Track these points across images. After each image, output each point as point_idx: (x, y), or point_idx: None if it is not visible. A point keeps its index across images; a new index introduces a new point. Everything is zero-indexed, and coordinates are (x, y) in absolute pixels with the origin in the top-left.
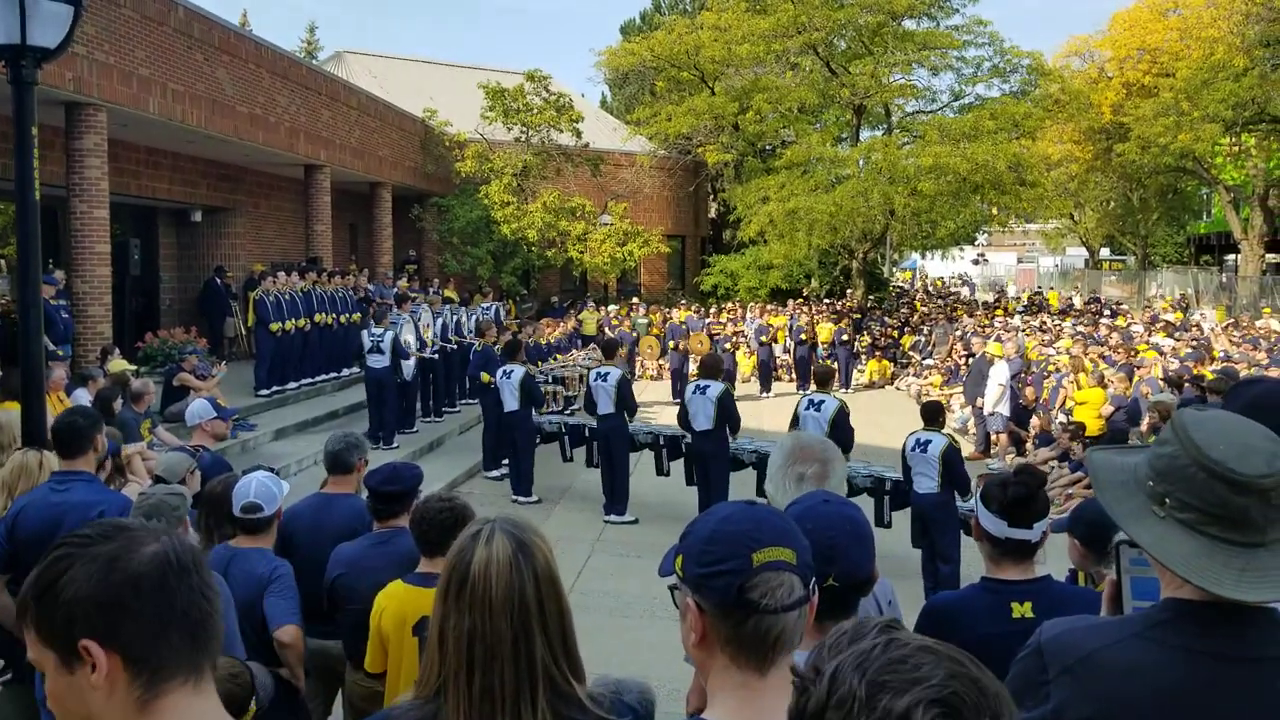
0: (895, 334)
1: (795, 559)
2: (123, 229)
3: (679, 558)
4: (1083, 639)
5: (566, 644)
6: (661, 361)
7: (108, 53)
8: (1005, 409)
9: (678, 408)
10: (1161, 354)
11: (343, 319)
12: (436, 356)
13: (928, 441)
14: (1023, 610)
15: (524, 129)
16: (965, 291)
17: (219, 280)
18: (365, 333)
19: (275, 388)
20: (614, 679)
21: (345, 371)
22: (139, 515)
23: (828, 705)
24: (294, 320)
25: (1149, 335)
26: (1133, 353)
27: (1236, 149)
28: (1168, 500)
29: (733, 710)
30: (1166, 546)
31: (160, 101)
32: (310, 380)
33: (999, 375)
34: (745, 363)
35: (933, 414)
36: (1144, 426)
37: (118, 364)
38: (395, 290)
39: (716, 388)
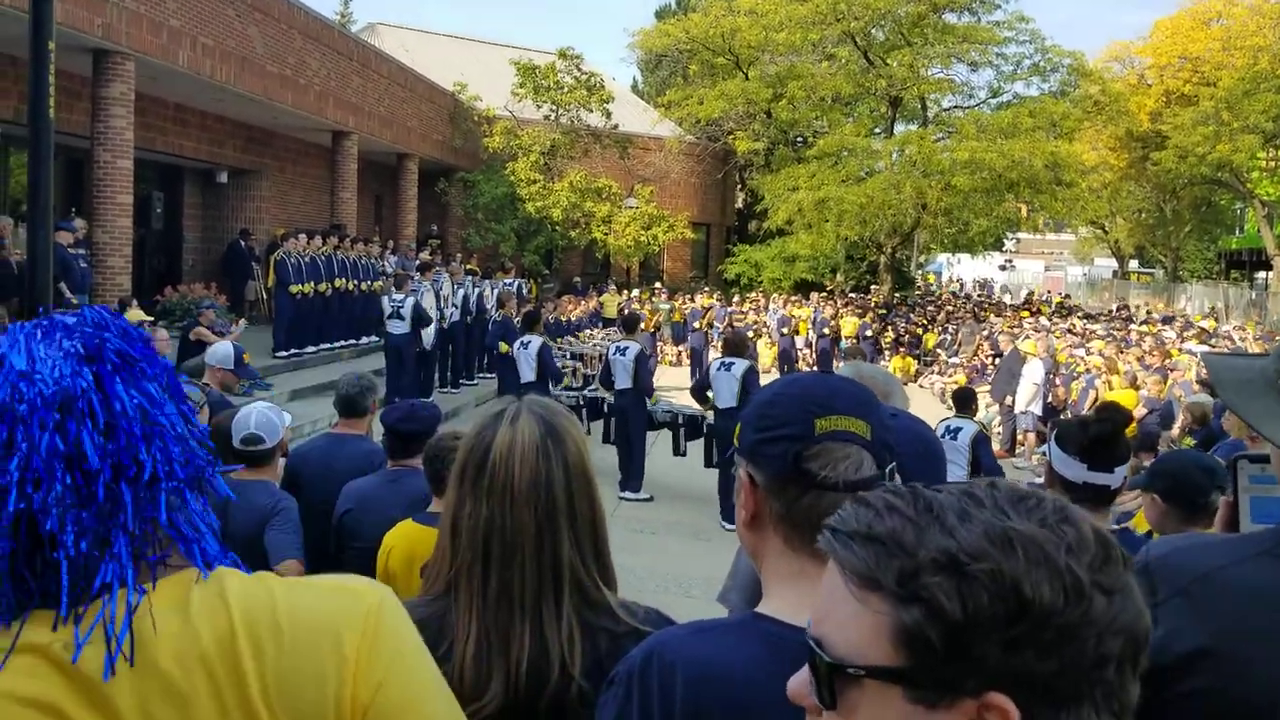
0: (920, 331)
1: (869, 434)
2: (148, 185)
3: (738, 426)
4: (1199, 557)
5: (597, 545)
6: (681, 348)
7: (138, 1)
8: (1037, 408)
9: (693, 382)
10: (1195, 358)
11: (364, 286)
12: (455, 320)
13: (958, 428)
14: None
15: (554, 107)
16: (996, 291)
17: (243, 243)
18: (385, 298)
19: (293, 350)
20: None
21: (364, 339)
22: None
23: (1009, 572)
24: (314, 283)
25: (1180, 342)
26: (1166, 356)
27: (1274, 163)
28: None
29: (792, 604)
30: None
31: (190, 55)
32: (329, 345)
33: (1033, 374)
34: (766, 353)
35: (964, 401)
36: (1175, 430)
37: (134, 314)
38: (418, 261)
39: (741, 364)
